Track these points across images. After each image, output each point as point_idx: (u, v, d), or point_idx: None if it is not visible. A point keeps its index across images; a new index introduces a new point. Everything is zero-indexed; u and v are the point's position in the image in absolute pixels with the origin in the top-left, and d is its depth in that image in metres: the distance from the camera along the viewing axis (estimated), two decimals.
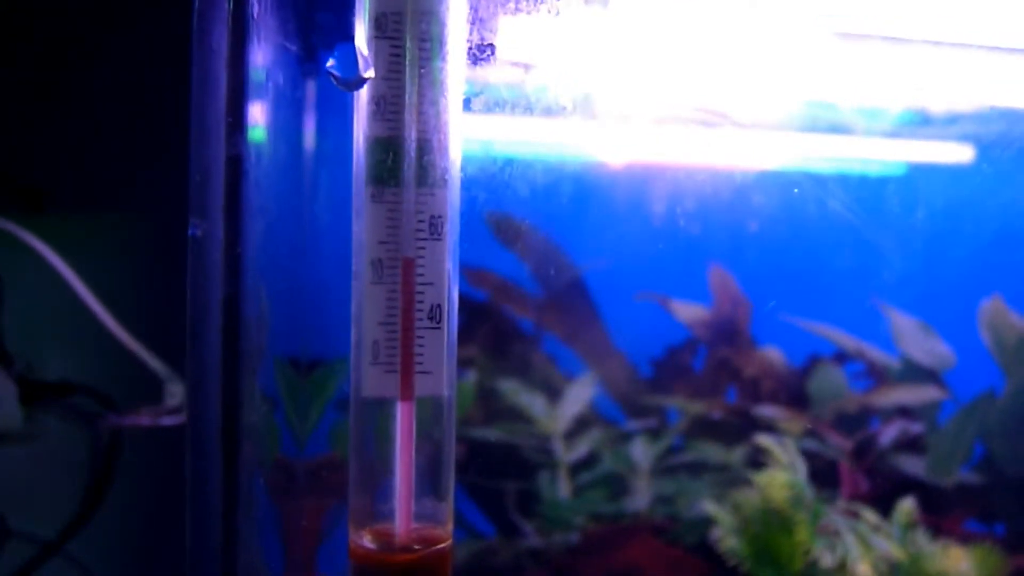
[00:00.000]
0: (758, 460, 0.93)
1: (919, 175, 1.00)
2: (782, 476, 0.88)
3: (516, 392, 1.02)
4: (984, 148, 0.91)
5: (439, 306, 0.42)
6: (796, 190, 0.86)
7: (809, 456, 0.95)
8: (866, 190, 0.99)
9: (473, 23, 0.44)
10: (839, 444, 1.00)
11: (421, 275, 0.41)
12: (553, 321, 1.07)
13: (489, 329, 1.04)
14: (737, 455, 1.00)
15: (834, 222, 0.86)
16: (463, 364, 1.01)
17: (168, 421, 0.78)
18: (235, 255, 0.49)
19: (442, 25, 0.41)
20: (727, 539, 0.87)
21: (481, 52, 0.44)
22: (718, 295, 1.09)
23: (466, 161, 0.44)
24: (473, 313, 1.03)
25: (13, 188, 0.80)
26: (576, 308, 1.08)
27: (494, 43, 0.45)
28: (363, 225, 0.41)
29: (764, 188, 0.99)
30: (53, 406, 0.81)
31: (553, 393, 1.04)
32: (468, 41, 0.42)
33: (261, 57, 0.50)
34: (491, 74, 0.53)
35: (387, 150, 0.40)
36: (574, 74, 0.62)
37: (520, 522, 0.98)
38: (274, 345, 0.60)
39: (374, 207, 0.41)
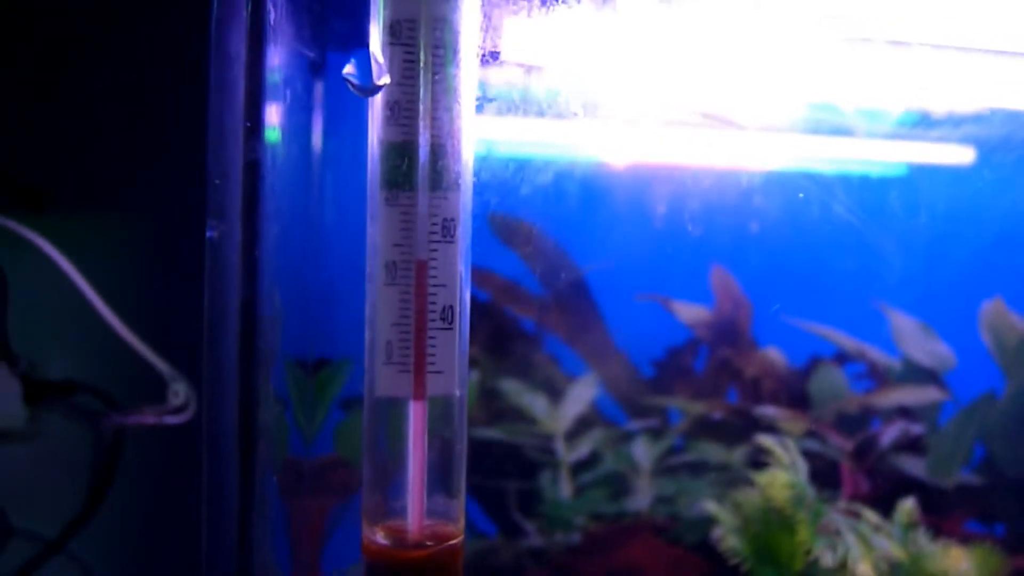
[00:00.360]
0: (759, 460, 0.93)
1: (920, 177, 1.01)
2: (783, 476, 0.89)
3: (518, 392, 1.03)
4: (986, 150, 0.91)
5: (451, 307, 0.42)
6: (801, 195, 0.87)
7: (810, 456, 0.95)
8: (867, 192, 0.99)
9: (486, 31, 0.44)
10: (840, 444, 1.00)
11: (434, 277, 0.42)
12: (555, 321, 1.07)
13: (491, 329, 1.05)
14: (738, 455, 1.00)
15: (836, 223, 0.87)
16: None
17: (171, 420, 0.78)
18: (253, 258, 0.50)
19: (455, 32, 0.41)
20: (728, 538, 0.87)
21: (493, 59, 0.45)
22: (719, 296, 1.09)
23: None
24: (476, 313, 1.03)
25: (15, 187, 0.80)
26: (578, 309, 1.08)
27: (505, 50, 0.45)
28: (378, 228, 0.41)
29: (766, 189, 0.99)
30: (56, 405, 0.81)
31: (555, 393, 1.04)
32: (481, 48, 0.43)
33: (278, 63, 0.50)
34: (498, 76, 0.53)
35: (401, 154, 0.41)
36: (580, 76, 0.62)
37: (522, 522, 0.99)
38: (284, 345, 0.60)
39: (388, 210, 0.41)
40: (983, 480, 1.02)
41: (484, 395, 1.02)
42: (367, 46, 0.41)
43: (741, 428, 1.02)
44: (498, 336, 1.05)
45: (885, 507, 0.91)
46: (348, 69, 0.40)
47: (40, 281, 0.78)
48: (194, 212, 0.55)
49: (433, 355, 0.42)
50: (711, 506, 0.90)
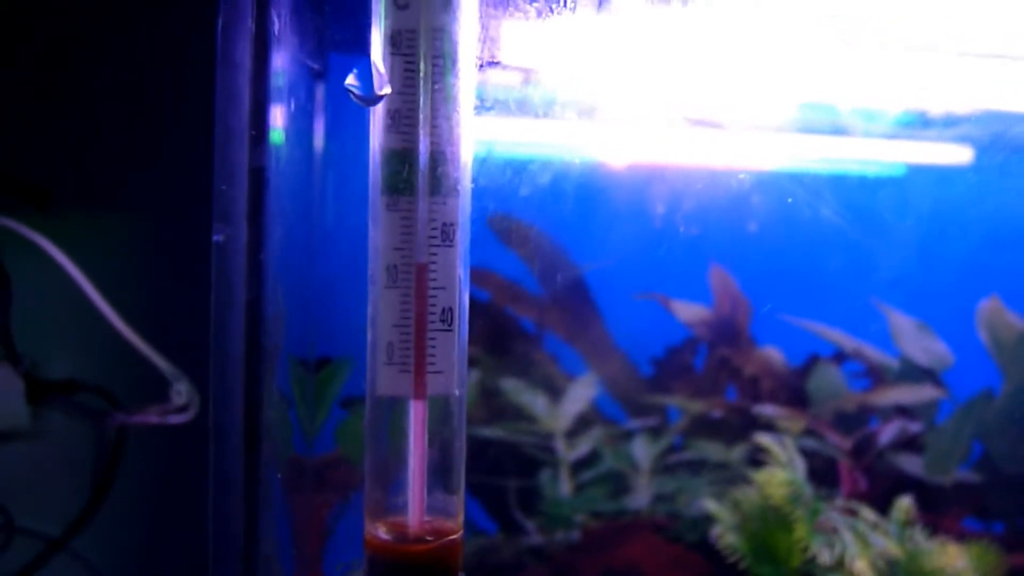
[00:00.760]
0: (757, 458, 0.94)
1: (917, 176, 1.01)
2: (781, 474, 0.89)
3: (518, 391, 1.03)
4: (982, 150, 0.91)
5: (451, 309, 0.43)
6: (790, 199, 0.87)
7: (808, 455, 0.95)
8: (865, 191, 0.99)
9: (483, 41, 0.45)
10: (838, 443, 1.01)
11: (434, 280, 0.43)
12: (555, 321, 1.07)
13: (491, 328, 1.05)
14: (737, 453, 1.01)
15: (833, 223, 0.87)
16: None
17: (174, 419, 0.79)
18: (258, 261, 0.50)
19: (454, 43, 0.42)
20: (726, 536, 0.88)
21: (491, 67, 0.45)
22: (718, 295, 1.09)
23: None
24: (475, 313, 1.03)
25: (20, 187, 0.80)
26: (577, 308, 1.08)
27: (503, 61, 0.46)
28: (379, 232, 0.42)
29: (763, 189, 0.99)
30: (59, 404, 0.81)
31: (555, 392, 1.05)
32: (479, 58, 0.43)
33: (282, 71, 0.51)
34: (499, 79, 0.54)
35: (402, 161, 0.42)
36: (580, 79, 0.63)
37: (522, 520, 0.99)
38: (286, 344, 0.61)
39: (389, 215, 0.42)
40: (981, 478, 1.02)
41: (484, 394, 1.02)
42: (369, 56, 0.41)
43: (740, 426, 1.02)
44: (498, 335, 1.05)
45: (883, 505, 0.91)
46: (350, 80, 0.41)
47: (43, 281, 0.79)
48: (196, 213, 0.55)
49: (433, 356, 0.43)
50: (710, 504, 0.90)
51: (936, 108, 0.90)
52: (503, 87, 0.58)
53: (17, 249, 0.77)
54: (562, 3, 0.50)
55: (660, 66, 0.70)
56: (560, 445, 1.02)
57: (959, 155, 0.95)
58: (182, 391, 0.79)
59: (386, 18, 0.41)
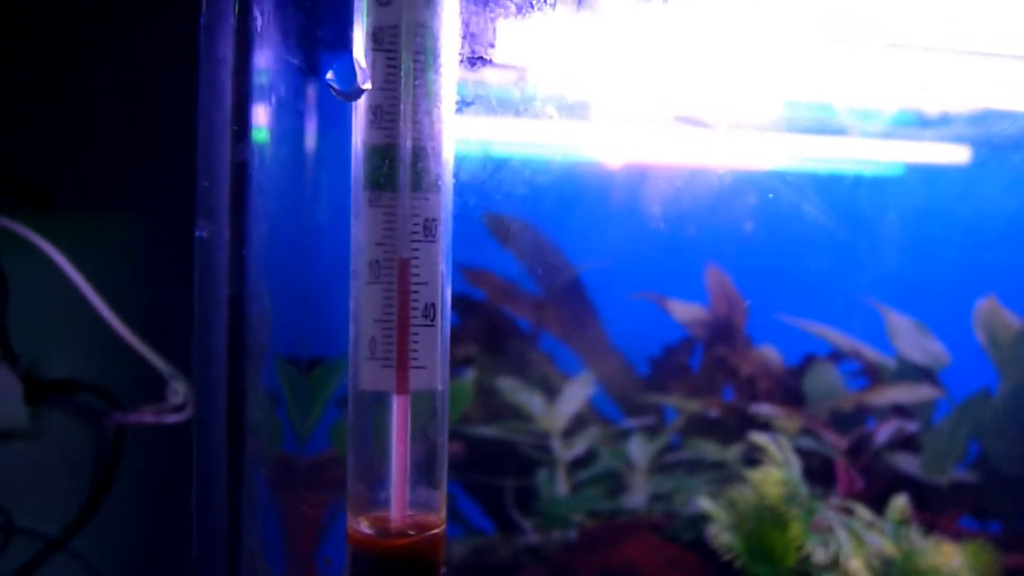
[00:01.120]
0: (754, 458, 0.94)
1: (914, 175, 1.01)
2: (776, 473, 0.89)
3: (514, 390, 1.03)
4: (980, 149, 0.91)
5: (433, 305, 0.43)
6: (780, 197, 0.87)
7: (805, 454, 0.95)
8: (861, 190, 1.00)
9: (465, 37, 0.45)
10: (835, 442, 1.01)
11: (416, 275, 0.43)
12: (551, 320, 1.07)
13: (488, 328, 1.05)
14: (733, 453, 1.01)
15: (830, 222, 0.87)
16: (462, 363, 1.02)
17: (171, 419, 0.79)
18: (240, 256, 0.51)
19: (435, 39, 0.42)
20: (722, 535, 0.88)
21: (472, 64, 0.46)
22: (715, 295, 1.09)
23: (463, 163, 0.45)
24: (472, 312, 1.04)
25: (19, 187, 0.80)
26: (574, 307, 1.08)
27: (485, 56, 0.46)
28: (361, 227, 0.43)
29: (759, 189, 0.99)
30: (58, 404, 0.81)
31: (551, 391, 1.05)
32: (460, 54, 0.44)
33: (264, 68, 0.51)
34: (486, 78, 0.54)
35: (384, 157, 0.42)
36: (570, 77, 0.63)
37: (518, 519, 0.99)
38: (276, 344, 0.61)
39: (371, 210, 0.42)
40: (977, 477, 1.02)
41: (481, 393, 1.02)
42: (350, 52, 0.42)
43: (736, 426, 1.02)
44: (494, 335, 1.06)
45: (880, 504, 0.91)
46: (330, 75, 0.41)
47: (41, 281, 0.79)
48: (194, 213, 0.56)
49: (416, 351, 0.43)
50: (706, 503, 0.90)
51: (932, 107, 0.91)
52: (495, 85, 0.59)
53: (15, 249, 0.78)
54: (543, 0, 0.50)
55: (654, 64, 0.70)
56: (557, 444, 1.03)
57: (956, 154, 0.95)
58: (179, 390, 0.79)
59: (368, 14, 0.41)
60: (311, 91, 0.64)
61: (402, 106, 0.41)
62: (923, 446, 1.03)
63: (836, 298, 1.08)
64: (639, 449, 1.03)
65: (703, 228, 1.00)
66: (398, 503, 0.43)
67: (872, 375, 1.08)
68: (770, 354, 1.08)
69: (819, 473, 0.97)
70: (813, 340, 1.09)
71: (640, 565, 0.95)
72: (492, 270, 1.04)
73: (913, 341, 1.06)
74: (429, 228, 0.42)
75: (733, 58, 0.72)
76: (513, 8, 0.48)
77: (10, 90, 0.81)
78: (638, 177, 1.01)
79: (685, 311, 1.10)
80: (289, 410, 0.73)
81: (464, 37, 0.44)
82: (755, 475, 0.90)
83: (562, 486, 1.01)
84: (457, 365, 0.99)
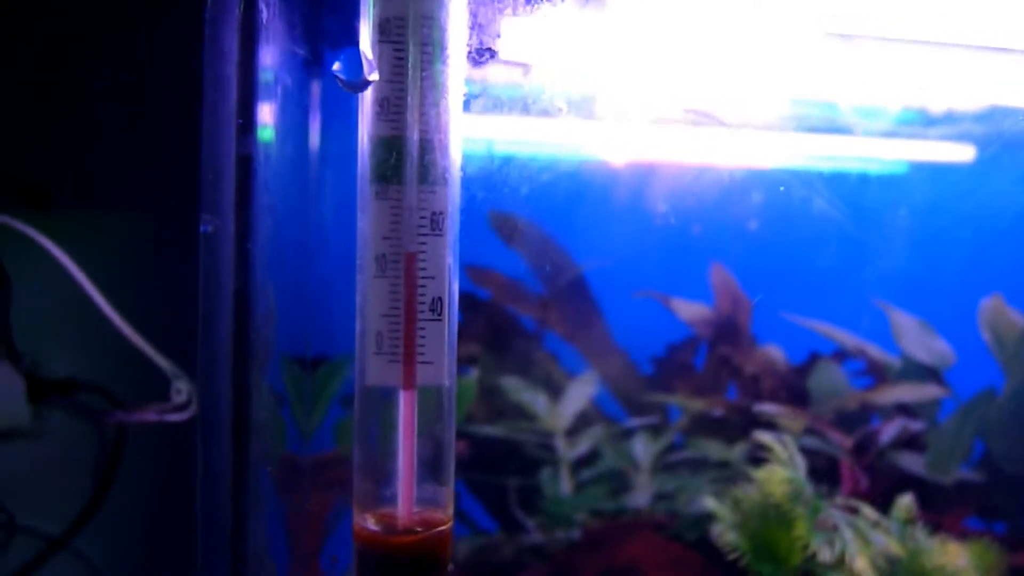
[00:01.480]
0: (758, 457, 0.94)
1: (919, 174, 1.01)
2: (781, 472, 0.89)
3: (518, 389, 1.03)
4: (985, 147, 0.91)
5: (440, 299, 0.43)
6: (789, 195, 0.87)
7: (810, 454, 0.95)
8: (866, 189, 0.99)
9: (473, 28, 0.45)
10: (840, 441, 1.01)
11: (423, 269, 0.43)
12: (555, 319, 1.07)
13: (492, 327, 1.05)
14: (737, 452, 1.01)
15: (834, 221, 0.87)
16: (466, 361, 1.02)
17: (174, 418, 0.79)
18: (245, 250, 0.50)
19: (443, 30, 0.42)
20: (726, 534, 0.88)
21: (480, 56, 0.45)
22: (719, 293, 1.09)
23: (468, 160, 0.45)
24: (476, 311, 1.04)
25: (21, 187, 0.80)
26: (578, 306, 1.08)
27: (493, 47, 0.46)
28: (367, 221, 0.42)
29: (764, 187, 0.99)
30: (60, 403, 0.81)
31: (555, 390, 1.04)
32: (468, 45, 0.43)
33: (270, 60, 0.51)
34: (492, 74, 0.54)
35: (390, 149, 0.42)
36: (577, 74, 0.63)
37: (522, 518, 0.99)
38: (280, 342, 0.61)
39: (378, 204, 0.42)
40: (982, 477, 1.02)
41: (484, 392, 1.02)
42: (357, 43, 0.41)
43: (740, 425, 1.02)
44: (498, 334, 1.05)
45: (885, 504, 0.91)
46: (337, 66, 0.41)
47: (43, 279, 0.79)
48: (196, 212, 0.55)
49: (422, 346, 0.43)
50: (710, 502, 0.90)
51: (937, 105, 0.90)
52: (498, 82, 0.58)
53: (18, 248, 0.78)
54: None
55: (659, 63, 0.70)
56: (560, 443, 1.02)
57: (961, 152, 0.95)
58: (182, 389, 0.79)
59: (375, 5, 0.41)
60: (316, 83, 0.64)
61: (409, 98, 0.41)
62: (928, 445, 1.03)
63: (841, 297, 1.08)
64: (643, 448, 1.03)
65: (707, 226, 1.00)
66: (405, 499, 0.43)
67: (877, 374, 1.08)
68: (774, 353, 1.08)
69: (824, 472, 0.97)
70: (818, 339, 1.08)
71: (644, 564, 0.94)
72: (496, 269, 1.04)
73: (918, 340, 1.06)
74: (436, 221, 0.42)
75: (737, 56, 0.72)
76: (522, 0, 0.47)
77: (11, 90, 0.81)
78: (642, 175, 1.01)
79: (689, 310, 1.10)
80: (293, 409, 0.73)
81: (472, 28, 0.44)
82: (760, 474, 0.89)
83: (566, 485, 1.01)
84: (460, 364, 0.99)
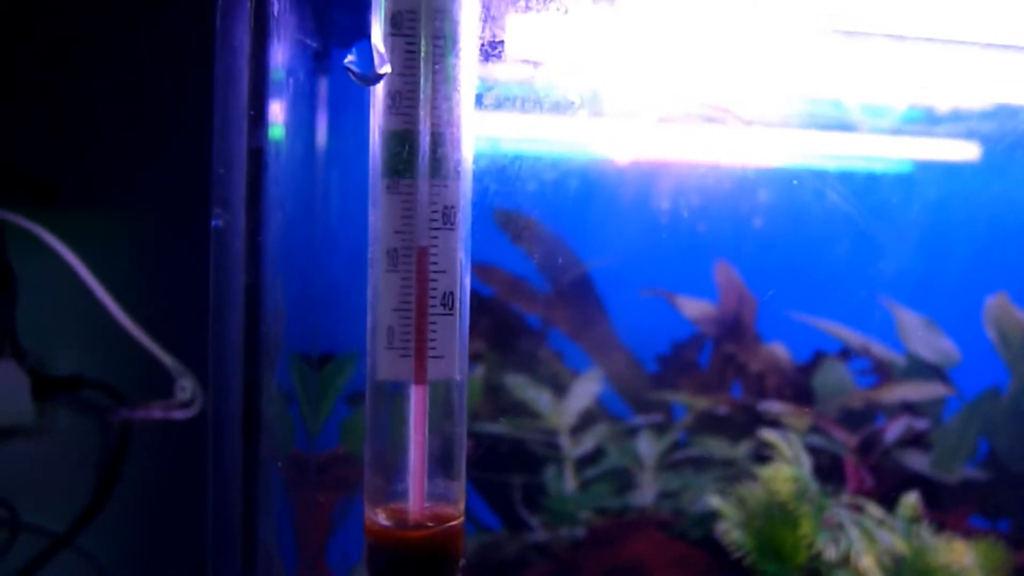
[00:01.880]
0: (763, 455, 0.94)
1: (925, 172, 1.01)
2: (786, 470, 0.89)
3: (523, 387, 1.03)
4: (991, 145, 0.91)
5: (452, 293, 0.43)
6: (796, 191, 0.87)
7: (815, 452, 0.95)
8: (871, 187, 0.99)
9: (485, 21, 0.45)
10: (844, 440, 1.00)
11: (435, 263, 0.42)
12: (560, 317, 1.07)
13: (496, 324, 1.05)
14: (742, 450, 1.01)
15: (840, 219, 0.87)
16: (471, 359, 1.01)
17: (178, 415, 0.79)
18: (256, 245, 0.50)
19: (455, 23, 0.42)
20: (731, 532, 0.88)
21: (492, 49, 0.45)
22: (724, 291, 1.09)
23: (476, 157, 0.45)
24: (481, 308, 1.04)
25: (30, 183, 0.80)
26: (583, 304, 1.08)
27: (505, 40, 0.46)
28: (379, 215, 0.42)
29: (769, 185, 0.99)
30: (65, 400, 0.81)
31: (559, 388, 1.04)
32: (480, 38, 0.43)
33: (281, 54, 0.51)
34: (501, 71, 0.54)
35: (402, 143, 0.42)
36: (584, 71, 0.63)
37: (526, 516, 0.99)
38: (288, 339, 0.61)
39: (389, 198, 0.42)
40: (987, 475, 1.02)
41: (489, 390, 1.02)
42: (369, 36, 0.41)
43: (745, 423, 1.02)
44: (503, 331, 1.05)
45: (889, 502, 0.91)
46: (349, 58, 0.40)
47: (48, 277, 0.79)
48: (201, 209, 0.55)
49: (434, 340, 0.43)
50: (715, 500, 0.90)
51: (943, 103, 0.90)
52: (507, 78, 0.58)
53: (24, 246, 0.78)
54: None
55: (666, 61, 0.70)
56: (565, 441, 1.02)
57: (967, 151, 0.95)
58: (187, 386, 0.79)
59: None
60: (327, 77, 0.64)
61: (421, 92, 0.41)
62: (933, 444, 1.03)
63: (846, 295, 1.08)
64: (647, 446, 1.03)
65: (713, 224, 1.00)
66: (416, 494, 0.43)
67: (882, 372, 1.08)
68: (779, 351, 1.08)
69: (829, 471, 0.97)
70: (823, 337, 1.08)
71: (648, 563, 0.94)
72: (501, 266, 1.04)
73: (923, 338, 1.06)
74: (448, 215, 0.42)
75: (744, 53, 0.72)
76: None
77: (18, 87, 0.81)
78: (647, 173, 1.01)
79: (694, 308, 1.10)
80: (301, 407, 0.73)
81: (484, 20, 0.44)
82: (765, 472, 0.89)
83: (570, 483, 1.01)
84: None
